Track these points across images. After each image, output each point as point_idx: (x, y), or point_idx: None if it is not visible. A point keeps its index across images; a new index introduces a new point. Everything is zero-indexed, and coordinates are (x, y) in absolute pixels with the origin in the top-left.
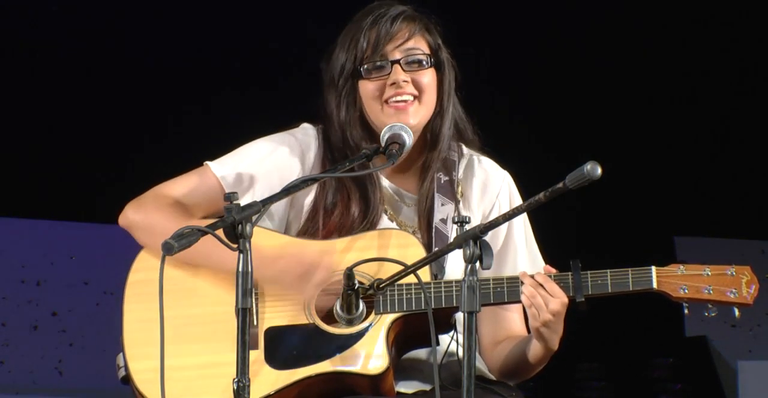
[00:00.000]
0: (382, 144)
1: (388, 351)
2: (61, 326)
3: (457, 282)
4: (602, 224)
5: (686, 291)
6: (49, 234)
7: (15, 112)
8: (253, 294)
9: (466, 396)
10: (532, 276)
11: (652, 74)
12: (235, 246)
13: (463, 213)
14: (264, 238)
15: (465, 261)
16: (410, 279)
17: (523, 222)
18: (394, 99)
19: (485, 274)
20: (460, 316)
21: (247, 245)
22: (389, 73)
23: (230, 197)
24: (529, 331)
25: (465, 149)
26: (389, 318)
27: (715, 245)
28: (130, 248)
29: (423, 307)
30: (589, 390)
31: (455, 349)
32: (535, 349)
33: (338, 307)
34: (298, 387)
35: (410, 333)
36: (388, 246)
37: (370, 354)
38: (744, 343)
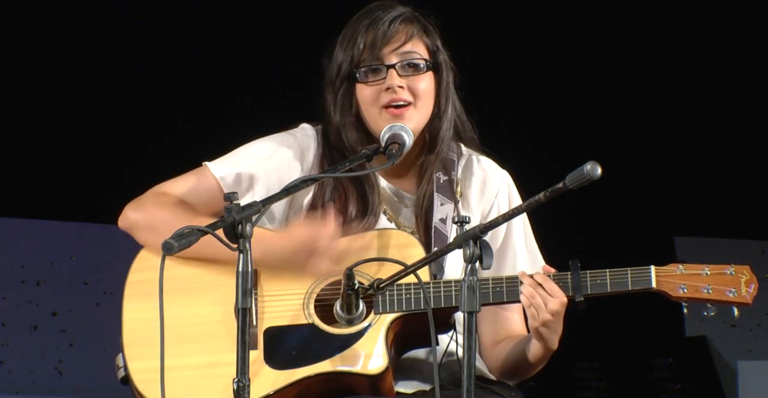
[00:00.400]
0: (382, 144)
1: (387, 351)
2: (61, 326)
3: (456, 281)
4: (602, 224)
5: (685, 290)
6: (49, 234)
7: (15, 111)
8: (253, 294)
9: (466, 396)
10: (531, 276)
11: (652, 74)
12: (235, 246)
13: (463, 212)
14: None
15: (465, 261)
16: (410, 279)
17: (522, 222)
18: (389, 104)
19: (485, 274)
20: (459, 316)
21: (247, 245)
22: (385, 78)
23: (230, 197)
24: (528, 331)
25: (464, 149)
26: (389, 318)
27: (715, 245)
28: (130, 248)
29: (422, 307)
30: (589, 390)
31: (455, 349)
32: (534, 349)
33: (338, 307)
34: (297, 387)
35: (409, 333)
36: (388, 247)
37: (370, 354)
38: (744, 343)
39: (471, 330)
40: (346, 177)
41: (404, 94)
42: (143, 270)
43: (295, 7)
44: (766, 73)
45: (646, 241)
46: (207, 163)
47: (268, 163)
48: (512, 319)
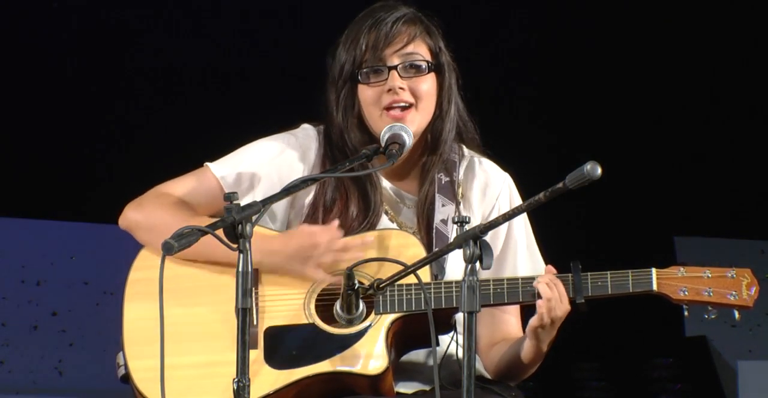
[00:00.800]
0: (382, 144)
1: (387, 351)
2: (61, 326)
3: (456, 282)
4: (602, 224)
5: (686, 293)
6: (49, 234)
7: (15, 111)
8: (253, 294)
9: (466, 396)
10: (550, 279)
11: (652, 74)
12: (235, 246)
13: (464, 214)
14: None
15: (465, 261)
16: (410, 279)
17: (523, 222)
18: (391, 106)
19: (485, 275)
20: (459, 317)
21: (247, 245)
22: (387, 79)
23: (230, 197)
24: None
25: (465, 150)
26: (389, 318)
27: (715, 245)
28: (130, 248)
29: (423, 307)
30: (588, 390)
31: (455, 350)
32: (527, 349)
33: (338, 307)
34: (297, 386)
35: (410, 334)
36: (389, 247)
37: (370, 355)
38: (744, 343)
39: (471, 330)
40: (348, 177)
41: (405, 95)
42: (144, 269)
43: (295, 6)
44: (766, 72)
45: (646, 241)
46: (208, 163)
47: (269, 163)
48: (509, 322)
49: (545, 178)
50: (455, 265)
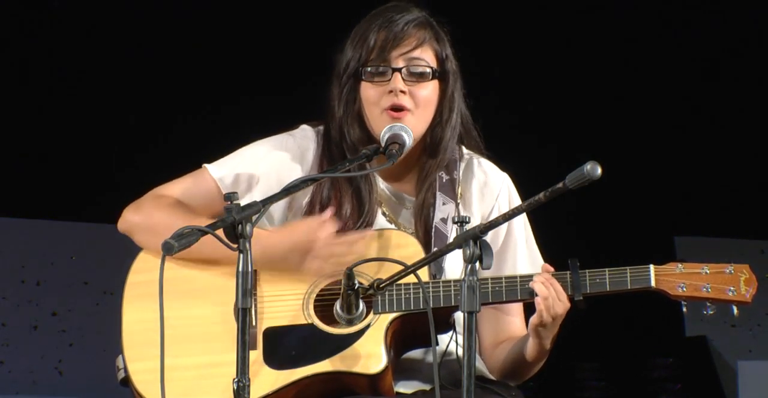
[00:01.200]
0: (382, 144)
1: (386, 350)
2: (61, 326)
3: (456, 281)
4: (602, 224)
5: (684, 289)
6: (49, 234)
7: (15, 111)
8: (253, 295)
9: (466, 396)
10: (546, 277)
11: (652, 74)
12: (235, 246)
13: (463, 213)
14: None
15: (465, 261)
16: (410, 279)
17: (523, 222)
18: (390, 107)
19: (485, 274)
20: (459, 316)
21: (247, 245)
22: (390, 80)
23: (230, 197)
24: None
25: (465, 150)
26: (388, 317)
27: (715, 245)
28: (130, 248)
29: (422, 307)
30: (589, 390)
31: (454, 349)
32: (530, 347)
33: (338, 307)
34: (296, 387)
35: (409, 333)
36: (388, 247)
37: (369, 354)
38: (744, 343)
39: (471, 330)
40: (344, 177)
41: (405, 99)
42: (143, 271)
43: (295, 6)
44: (766, 72)
45: (646, 241)
46: (206, 164)
47: (267, 164)
48: (513, 322)
49: (545, 178)
50: (454, 265)
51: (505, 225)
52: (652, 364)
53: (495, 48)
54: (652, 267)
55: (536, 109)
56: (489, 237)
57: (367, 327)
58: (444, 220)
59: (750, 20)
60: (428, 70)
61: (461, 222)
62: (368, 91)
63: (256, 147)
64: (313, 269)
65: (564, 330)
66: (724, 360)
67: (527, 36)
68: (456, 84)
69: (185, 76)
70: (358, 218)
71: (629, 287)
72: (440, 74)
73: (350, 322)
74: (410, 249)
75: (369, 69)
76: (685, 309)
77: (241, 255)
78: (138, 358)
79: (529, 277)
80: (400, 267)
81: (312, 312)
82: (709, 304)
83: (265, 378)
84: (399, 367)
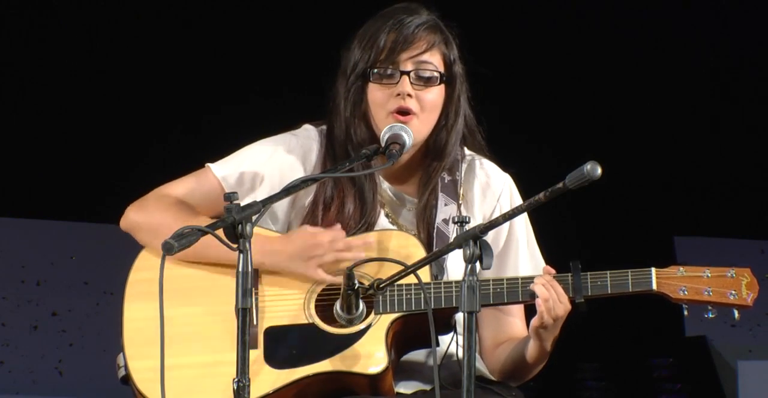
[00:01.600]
0: (382, 144)
1: (387, 351)
2: (61, 326)
3: (456, 282)
4: (602, 224)
5: (686, 292)
6: (49, 234)
7: (15, 111)
8: (253, 294)
9: (466, 396)
10: (546, 279)
11: (652, 74)
12: (235, 246)
13: (464, 214)
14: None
15: (465, 261)
16: (410, 279)
17: (524, 223)
18: (397, 110)
19: (487, 275)
20: (460, 317)
21: (247, 245)
22: (397, 82)
23: (230, 197)
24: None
25: (466, 151)
26: (389, 318)
27: (715, 245)
28: (130, 248)
29: (423, 307)
30: (589, 390)
31: (455, 350)
32: (531, 349)
33: (338, 307)
34: (296, 386)
35: (410, 334)
36: (389, 247)
37: (370, 354)
38: (744, 343)
39: (471, 330)
40: (346, 177)
41: (411, 103)
42: (144, 269)
43: (296, 7)
44: (766, 72)
45: (646, 241)
46: (209, 164)
47: (270, 163)
48: (513, 323)
49: (545, 178)
50: (456, 265)
51: (506, 227)
52: (652, 364)
53: (495, 48)
54: (653, 270)
55: (536, 109)
56: (490, 239)
57: (368, 327)
58: (446, 221)
59: (750, 20)
60: (436, 74)
61: (461, 222)
62: (375, 92)
63: (259, 146)
64: (317, 276)
65: (564, 331)
66: (724, 360)
67: (527, 36)
68: (462, 87)
69: (187, 75)
70: (360, 218)
71: (630, 290)
72: (447, 78)
73: (350, 322)
74: (412, 249)
75: (377, 71)
76: (686, 313)
77: (241, 255)
78: (138, 356)
79: (531, 279)
80: (400, 268)
81: (313, 311)
82: (710, 308)
83: (266, 377)
84: (399, 367)
